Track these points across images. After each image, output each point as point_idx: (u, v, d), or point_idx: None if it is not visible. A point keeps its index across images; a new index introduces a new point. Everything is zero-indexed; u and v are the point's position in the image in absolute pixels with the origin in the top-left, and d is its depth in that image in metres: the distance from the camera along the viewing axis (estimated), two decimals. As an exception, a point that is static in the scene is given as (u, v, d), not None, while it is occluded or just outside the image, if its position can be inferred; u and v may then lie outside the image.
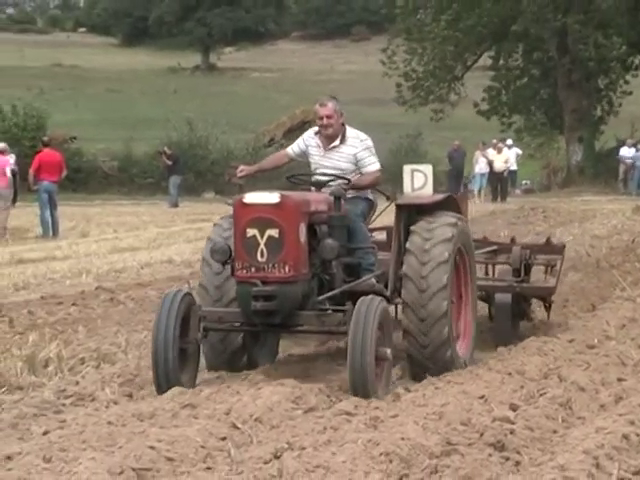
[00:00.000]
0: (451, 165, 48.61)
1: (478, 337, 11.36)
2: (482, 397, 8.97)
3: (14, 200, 30.51)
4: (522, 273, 11.98)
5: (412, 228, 9.97)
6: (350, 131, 10.74)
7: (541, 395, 9.08)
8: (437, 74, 51.43)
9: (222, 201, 10.75)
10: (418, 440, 7.25)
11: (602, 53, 49.42)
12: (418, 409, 8.60)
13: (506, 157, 46.98)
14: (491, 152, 47.37)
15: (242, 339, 9.96)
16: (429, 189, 10.45)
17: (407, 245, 9.90)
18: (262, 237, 9.15)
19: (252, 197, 9.37)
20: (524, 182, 54.87)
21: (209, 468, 7.02)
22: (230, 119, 61.79)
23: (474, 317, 10.79)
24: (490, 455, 7.12)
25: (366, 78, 77.77)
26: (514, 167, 48.80)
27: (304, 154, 11.02)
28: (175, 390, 9.05)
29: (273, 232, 9.14)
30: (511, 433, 7.57)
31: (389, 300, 10.09)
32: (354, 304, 9.09)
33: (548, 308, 12.36)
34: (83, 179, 48.75)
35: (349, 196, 10.42)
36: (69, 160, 38.67)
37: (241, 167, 11.26)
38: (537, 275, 12.85)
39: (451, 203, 10.59)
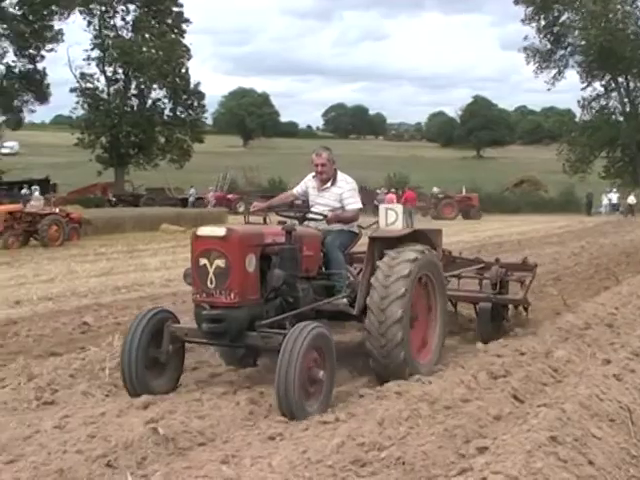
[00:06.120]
0: None
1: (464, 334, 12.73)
2: None
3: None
4: (498, 287, 12.68)
5: (378, 263, 9.76)
6: (340, 175, 10.69)
7: None
8: None
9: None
10: None
11: None
12: None
13: None
14: None
15: None
16: (399, 225, 10.29)
17: (371, 280, 9.62)
18: (211, 266, 8.63)
19: (204, 230, 8.86)
20: None
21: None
22: None
23: (442, 331, 10.54)
24: None
25: None
26: None
27: (305, 193, 10.96)
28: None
29: (220, 262, 8.60)
30: None
31: (358, 319, 9.96)
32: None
33: (526, 310, 13.36)
34: None
35: (335, 228, 10.40)
36: None
37: (254, 204, 11.21)
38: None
39: (421, 236, 10.48)
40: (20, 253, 29.03)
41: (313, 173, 10.79)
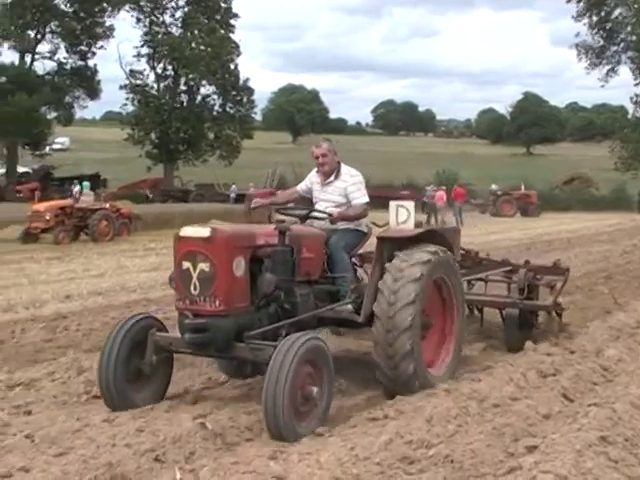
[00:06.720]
0: None
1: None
2: None
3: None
4: (525, 291, 11.86)
5: (386, 266, 8.94)
6: (344, 168, 9.95)
7: None
8: None
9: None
10: None
11: None
12: None
13: None
14: None
15: None
16: (411, 223, 9.40)
17: (379, 284, 8.83)
18: (195, 270, 7.86)
19: (186, 231, 8.04)
20: None
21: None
22: None
23: (459, 340, 9.76)
24: None
25: None
26: None
27: (310, 190, 10.22)
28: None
29: (205, 266, 7.81)
30: None
31: (362, 325, 9.10)
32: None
33: (559, 316, 12.29)
34: None
35: (340, 227, 9.63)
36: None
37: (255, 200, 10.44)
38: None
39: (435, 236, 9.58)
40: (70, 248, 29.35)
41: (316, 168, 10.08)
